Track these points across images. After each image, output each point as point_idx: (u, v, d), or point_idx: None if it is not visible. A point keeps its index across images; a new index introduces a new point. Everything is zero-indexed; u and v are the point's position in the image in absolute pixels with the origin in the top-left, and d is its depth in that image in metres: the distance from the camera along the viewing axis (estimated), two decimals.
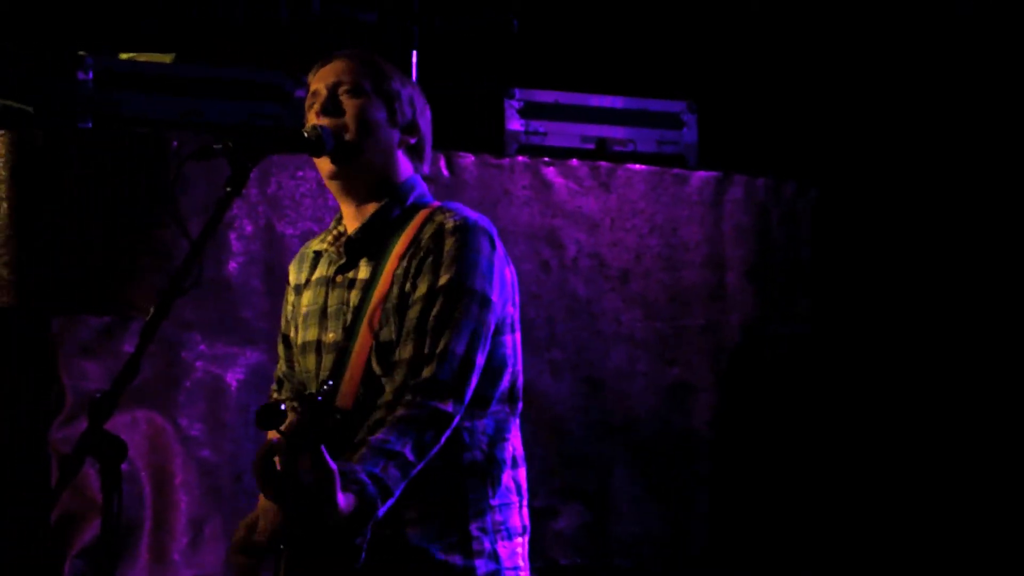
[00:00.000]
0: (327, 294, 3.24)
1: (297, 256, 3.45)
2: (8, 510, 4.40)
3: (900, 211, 5.74)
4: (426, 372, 3.01)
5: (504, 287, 3.16)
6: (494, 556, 3.14)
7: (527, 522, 3.27)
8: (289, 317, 3.41)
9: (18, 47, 4.86)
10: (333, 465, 2.77)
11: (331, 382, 2.92)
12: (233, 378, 4.59)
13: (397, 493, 2.92)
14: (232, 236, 4.62)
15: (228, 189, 2.97)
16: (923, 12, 5.82)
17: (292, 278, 3.42)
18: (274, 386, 3.48)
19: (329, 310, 3.22)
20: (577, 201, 5.18)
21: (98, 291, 4.49)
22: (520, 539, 3.23)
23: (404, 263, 3.13)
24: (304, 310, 3.29)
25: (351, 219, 3.27)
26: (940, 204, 5.76)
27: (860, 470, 5.56)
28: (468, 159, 4.99)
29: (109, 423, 2.77)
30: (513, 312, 3.22)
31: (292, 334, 3.38)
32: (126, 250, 4.49)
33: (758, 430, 5.43)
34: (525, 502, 3.27)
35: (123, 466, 4.34)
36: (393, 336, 3.09)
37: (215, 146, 3.00)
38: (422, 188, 3.28)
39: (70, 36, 4.81)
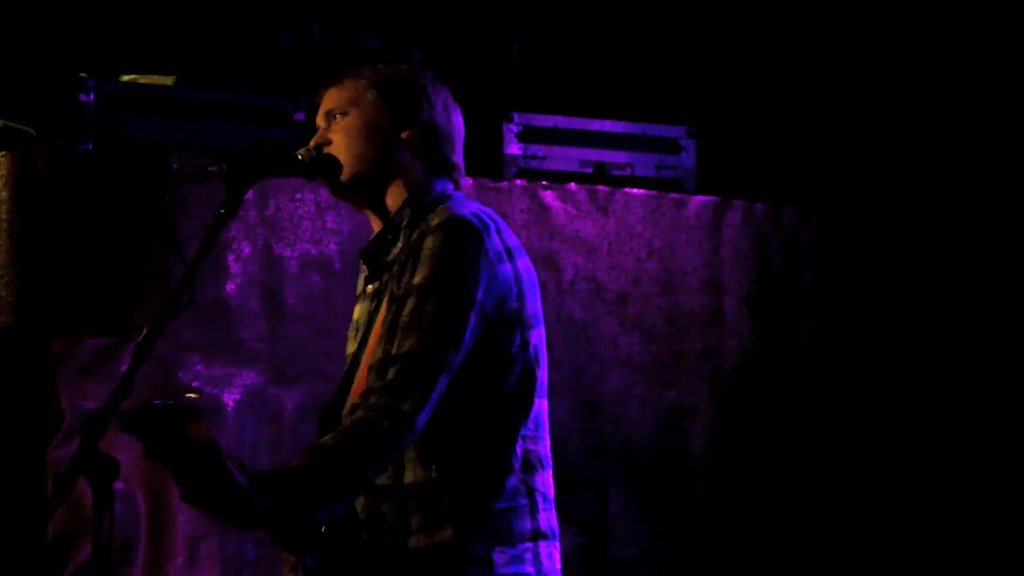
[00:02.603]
0: (362, 307, 3.23)
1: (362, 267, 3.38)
2: (5, 528, 4.41)
3: (900, 237, 5.74)
4: (390, 374, 2.94)
5: (495, 283, 3.02)
6: (487, 562, 3.03)
7: (547, 526, 3.13)
8: None
9: (20, 69, 4.88)
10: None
11: (193, 395, 2.88)
12: (230, 399, 4.60)
13: (341, 489, 2.88)
14: (230, 258, 4.64)
15: (222, 211, 2.98)
16: (922, 36, 5.85)
17: (358, 291, 3.36)
18: None
19: (360, 322, 3.22)
20: (575, 225, 5.20)
21: (98, 312, 4.50)
22: (529, 543, 3.08)
23: (396, 268, 3.09)
24: (351, 325, 3.28)
25: (375, 229, 3.22)
26: (943, 229, 5.77)
27: (859, 495, 5.55)
28: (466, 182, 4.94)
29: (106, 441, 2.79)
30: (521, 308, 3.07)
31: None
32: (126, 271, 4.51)
33: (756, 455, 5.43)
34: (544, 506, 3.12)
35: (119, 485, 4.38)
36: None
37: (210, 169, 3.02)
38: (441, 189, 3.19)
39: (72, 58, 4.83)
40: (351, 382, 3.13)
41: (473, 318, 2.98)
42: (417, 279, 2.98)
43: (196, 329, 4.57)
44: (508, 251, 3.08)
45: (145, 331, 2.87)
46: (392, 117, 3.18)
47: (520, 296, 3.08)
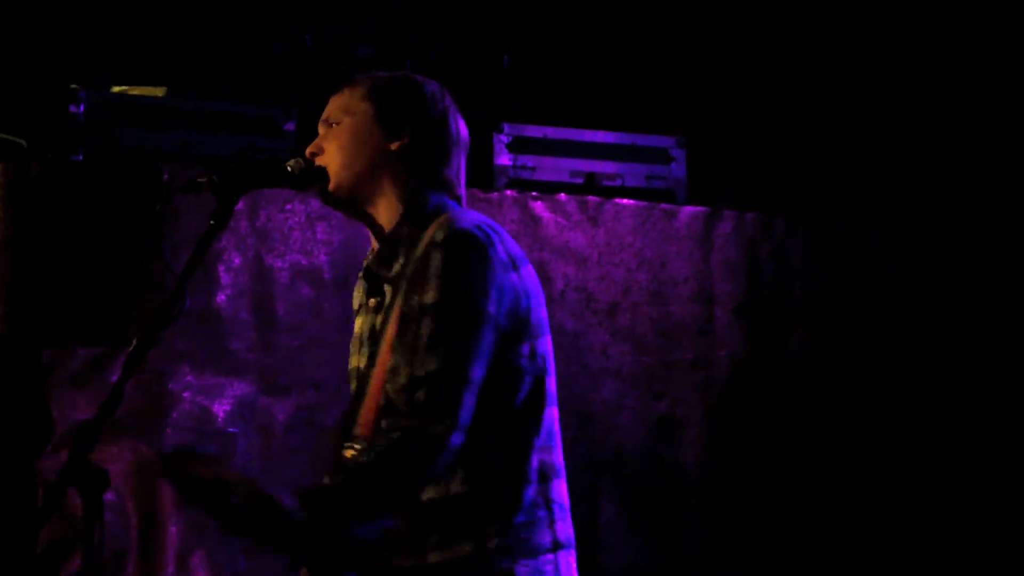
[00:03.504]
0: (363, 320, 3.21)
1: (359, 280, 3.34)
2: None
3: (900, 238, 5.75)
4: (419, 395, 2.92)
5: (505, 295, 3.01)
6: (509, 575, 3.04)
7: (564, 536, 3.13)
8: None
9: (11, 80, 4.89)
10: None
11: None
12: (220, 409, 4.61)
13: (378, 507, 2.91)
14: (221, 268, 4.64)
15: (212, 222, 2.98)
16: (906, 35, 5.86)
17: (354, 304, 3.33)
18: None
19: (363, 336, 3.19)
20: (565, 235, 5.21)
21: (89, 322, 4.51)
22: (550, 555, 3.08)
23: (403, 284, 3.05)
24: (353, 338, 3.26)
25: (374, 240, 3.19)
26: (935, 239, 5.78)
27: (852, 504, 5.56)
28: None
29: (97, 453, 2.79)
30: (528, 317, 3.06)
31: None
32: (118, 281, 4.51)
33: (747, 464, 5.44)
34: (561, 516, 3.12)
35: (110, 496, 4.39)
36: (397, 362, 3.01)
37: (200, 179, 3.02)
38: (438, 201, 3.14)
39: (63, 69, 4.84)
40: (363, 399, 3.10)
41: (489, 333, 2.96)
42: (429, 298, 2.96)
43: (187, 339, 4.57)
44: (513, 261, 3.05)
45: (135, 341, 2.87)
46: (382, 127, 3.14)
47: (527, 305, 3.06)
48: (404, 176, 3.15)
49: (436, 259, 2.96)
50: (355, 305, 3.33)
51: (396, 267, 3.11)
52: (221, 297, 4.64)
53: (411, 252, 3.07)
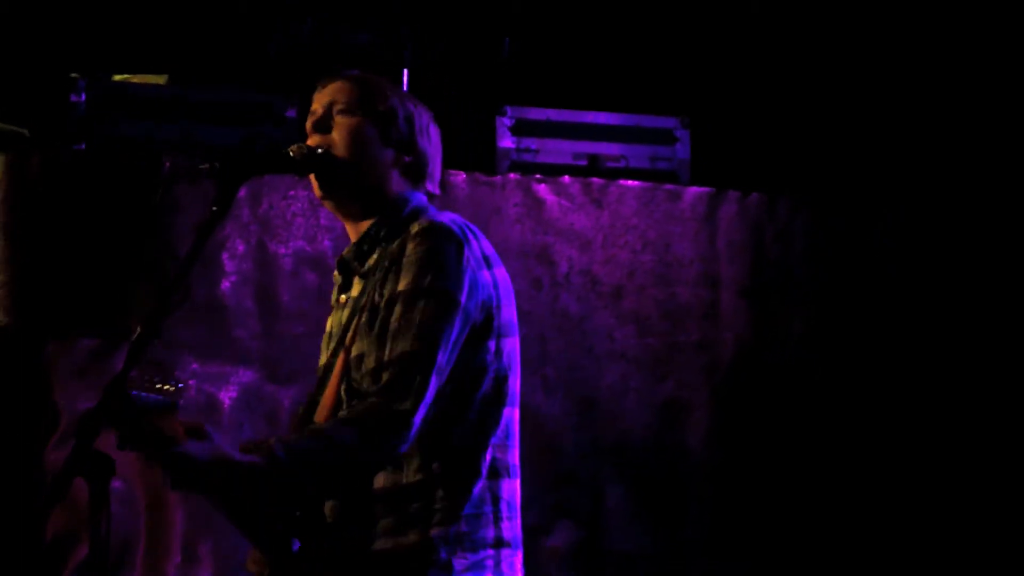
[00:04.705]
0: (332, 318, 3.25)
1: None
2: (3, 530, 4.41)
3: (900, 237, 5.73)
4: (385, 376, 2.97)
5: (477, 289, 3.08)
6: (447, 567, 3.05)
7: (510, 535, 3.16)
8: None
9: (12, 70, 4.88)
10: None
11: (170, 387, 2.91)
12: (226, 396, 4.60)
13: (316, 466, 2.89)
14: (224, 256, 4.64)
15: (214, 208, 2.98)
16: (910, 32, 5.85)
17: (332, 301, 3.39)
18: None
19: (333, 333, 3.22)
20: (569, 218, 5.19)
21: (92, 313, 4.50)
22: (491, 551, 3.12)
23: (378, 275, 3.10)
24: (324, 337, 3.29)
25: (351, 238, 3.25)
26: (935, 239, 5.76)
27: (856, 486, 5.55)
28: (459, 177, 5.00)
29: (102, 440, 2.79)
30: (498, 315, 3.13)
31: None
32: (120, 272, 4.50)
33: (752, 448, 5.42)
34: (509, 515, 3.16)
35: (118, 485, 4.38)
36: (363, 350, 3.06)
37: (201, 167, 3.02)
38: (417, 202, 3.23)
39: (64, 58, 4.83)
40: (322, 392, 3.13)
41: (458, 321, 3.02)
42: (402, 285, 3.02)
43: (191, 328, 4.57)
44: (487, 259, 3.12)
45: (138, 331, 2.87)
46: (398, 139, 3.22)
47: (498, 303, 3.13)
48: (402, 184, 3.24)
49: (412, 248, 3.03)
50: (332, 302, 3.36)
51: (370, 262, 3.17)
52: (225, 285, 4.64)
53: (386, 249, 3.13)
